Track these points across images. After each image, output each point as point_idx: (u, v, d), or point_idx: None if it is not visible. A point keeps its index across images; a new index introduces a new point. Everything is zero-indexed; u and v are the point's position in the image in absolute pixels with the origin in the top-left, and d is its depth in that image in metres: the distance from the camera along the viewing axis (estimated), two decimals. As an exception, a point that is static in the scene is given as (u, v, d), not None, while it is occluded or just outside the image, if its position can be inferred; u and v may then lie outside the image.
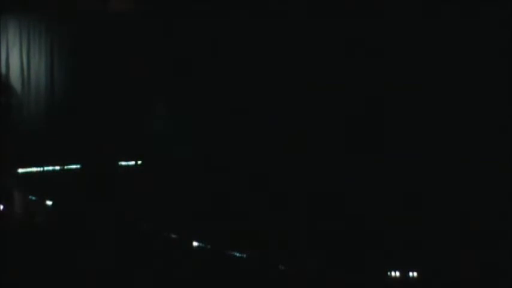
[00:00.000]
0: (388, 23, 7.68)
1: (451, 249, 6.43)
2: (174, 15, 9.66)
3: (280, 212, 7.54)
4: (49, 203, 7.96)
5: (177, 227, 7.08)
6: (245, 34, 8.87)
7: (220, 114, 9.17)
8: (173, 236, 6.99)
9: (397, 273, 6.23)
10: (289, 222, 7.24)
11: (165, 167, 9.44)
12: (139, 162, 9.98)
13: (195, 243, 6.85)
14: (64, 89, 9.96)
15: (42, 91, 9.87)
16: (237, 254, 6.55)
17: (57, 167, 9.52)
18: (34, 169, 9.35)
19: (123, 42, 9.93)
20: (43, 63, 9.88)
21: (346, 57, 7.98)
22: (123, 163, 9.86)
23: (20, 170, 9.15)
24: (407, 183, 7.36)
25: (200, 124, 9.40)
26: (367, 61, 7.83)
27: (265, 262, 6.39)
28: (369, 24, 7.80)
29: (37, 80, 9.85)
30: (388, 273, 6.24)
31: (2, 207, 7.80)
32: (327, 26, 8.11)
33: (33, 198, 8.09)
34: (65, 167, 9.53)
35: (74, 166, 9.54)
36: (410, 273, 6.21)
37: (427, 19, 7.38)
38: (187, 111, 9.63)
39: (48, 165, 9.47)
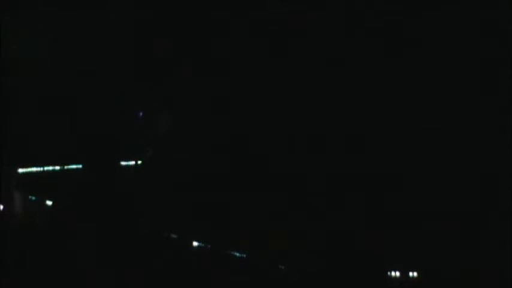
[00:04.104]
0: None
1: (451, 249, 6.43)
2: (175, 16, 9.65)
3: (280, 212, 7.53)
4: (49, 203, 7.95)
5: (177, 227, 7.08)
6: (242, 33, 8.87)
7: (220, 114, 9.15)
8: (173, 236, 6.99)
9: (397, 273, 6.22)
10: (289, 222, 7.23)
11: (165, 167, 9.42)
12: (139, 162, 9.96)
13: (195, 243, 6.85)
14: (64, 88, 9.93)
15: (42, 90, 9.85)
16: (237, 254, 6.54)
17: (57, 167, 9.50)
18: (34, 169, 9.34)
19: (123, 42, 9.91)
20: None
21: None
22: (123, 163, 9.84)
23: (20, 170, 9.14)
24: (405, 182, 7.36)
25: (200, 124, 9.38)
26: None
27: (265, 262, 6.39)
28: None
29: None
30: (388, 273, 6.23)
31: (2, 207, 7.80)
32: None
33: (33, 198, 8.08)
34: (65, 167, 9.52)
35: (74, 166, 9.53)
36: (410, 273, 6.21)
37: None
38: (187, 111, 9.61)
39: (48, 165, 9.46)
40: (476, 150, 7.10)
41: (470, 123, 7.21)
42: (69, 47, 10.02)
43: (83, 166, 9.46)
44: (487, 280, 5.97)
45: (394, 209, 7.19)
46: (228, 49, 9.07)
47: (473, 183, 6.99)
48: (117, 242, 6.79)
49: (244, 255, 6.52)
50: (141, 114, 9.96)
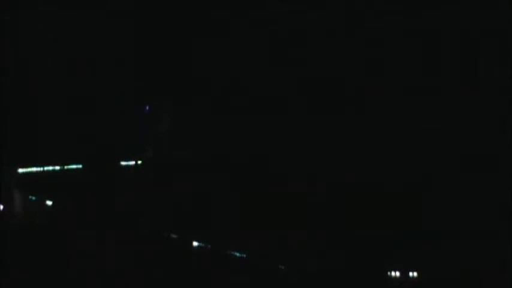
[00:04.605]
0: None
1: (451, 249, 6.43)
2: (174, 16, 9.65)
3: (280, 212, 7.53)
4: (49, 203, 7.95)
5: (177, 227, 7.08)
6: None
7: (220, 114, 9.15)
8: (173, 236, 6.99)
9: (397, 273, 6.23)
10: (289, 222, 7.23)
11: (165, 167, 9.42)
12: (139, 162, 9.96)
13: (195, 243, 6.85)
14: (64, 88, 9.93)
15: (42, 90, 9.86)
16: (237, 254, 6.55)
17: (57, 167, 9.50)
18: (34, 169, 9.34)
19: (123, 41, 9.91)
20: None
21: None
22: (123, 163, 9.84)
23: (20, 170, 9.14)
24: (405, 183, 7.36)
25: (201, 124, 9.38)
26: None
27: (265, 262, 6.39)
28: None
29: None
30: (388, 273, 6.24)
31: (2, 207, 7.80)
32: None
33: (33, 198, 8.08)
34: (65, 167, 9.52)
35: (74, 166, 9.54)
36: (410, 273, 6.21)
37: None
38: (188, 110, 9.61)
39: (48, 165, 9.46)
40: (476, 150, 7.10)
41: (470, 124, 7.21)
42: (69, 47, 10.03)
43: (83, 166, 9.47)
44: (487, 280, 5.98)
45: (394, 209, 7.19)
46: (228, 49, 9.08)
47: (473, 183, 6.99)
48: (117, 242, 6.79)
49: (244, 255, 6.52)
50: (146, 108, 9.96)
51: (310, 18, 8.31)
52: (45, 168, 9.46)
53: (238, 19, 8.90)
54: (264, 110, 8.73)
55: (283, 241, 6.79)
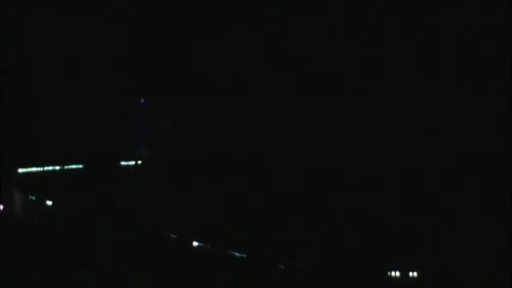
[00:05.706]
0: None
1: (451, 249, 6.44)
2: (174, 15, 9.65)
3: (280, 211, 7.54)
4: (49, 203, 7.95)
5: (177, 227, 7.09)
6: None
7: (219, 114, 9.16)
8: (173, 236, 7.00)
9: (397, 273, 6.23)
10: (289, 222, 7.24)
11: (165, 167, 9.43)
12: (139, 162, 9.96)
13: (195, 243, 6.86)
14: (64, 88, 9.94)
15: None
16: (237, 254, 6.55)
17: (57, 167, 9.51)
18: (34, 169, 9.34)
19: (123, 41, 9.92)
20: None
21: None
22: (123, 163, 9.85)
23: (20, 170, 9.15)
24: (406, 182, 7.37)
25: (201, 124, 9.39)
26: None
27: (265, 262, 6.40)
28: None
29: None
30: (388, 273, 6.24)
31: (2, 207, 7.80)
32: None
33: (33, 198, 8.08)
34: (65, 167, 9.52)
35: (74, 166, 9.54)
36: (410, 273, 6.22)
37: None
38: (187, 110, 9.62)
39: (48, 165, 9.47)
40: (476, 150, 7.10)
41: (470, 124, 7.22)
42: (69, 47, 10.03)
43: (83, 166, 9.47)
44: (487, 280, 5.98)
45: (394, 209, 7.20)
46: (228, 49, 9.08)
47: (473, 183, 7.00)
48: (117, 242, 6.79)
49: (244, 255, 6.53)
50: (142, 101, 9.96)
51: (310, 18, 8.31)
52: (45, 168, 9.46)
53: (238, 19, 8.90)
54: (264, 110, 8.74)
55: (283, 241, 6.79)
